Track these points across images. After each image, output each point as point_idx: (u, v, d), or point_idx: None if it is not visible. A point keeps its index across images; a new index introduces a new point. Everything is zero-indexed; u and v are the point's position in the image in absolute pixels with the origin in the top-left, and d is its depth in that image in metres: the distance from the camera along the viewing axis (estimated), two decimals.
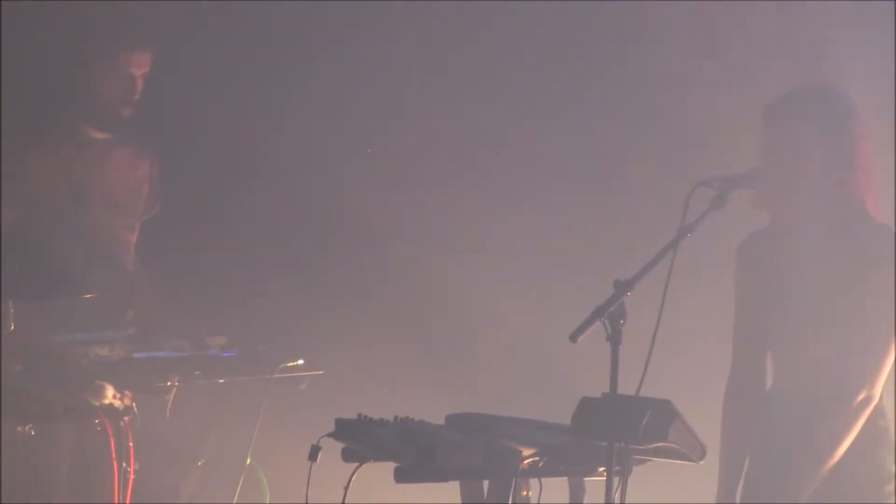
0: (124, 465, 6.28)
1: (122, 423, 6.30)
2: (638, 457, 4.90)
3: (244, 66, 7.61)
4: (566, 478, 5.09)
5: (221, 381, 6.75)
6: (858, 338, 5.35)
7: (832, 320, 5.37)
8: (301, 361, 6.84)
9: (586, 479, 5.06)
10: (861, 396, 5.31)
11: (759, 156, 5.46)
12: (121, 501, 6.30)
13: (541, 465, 4.96)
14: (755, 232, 5.60)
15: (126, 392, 6.37)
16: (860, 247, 5.35)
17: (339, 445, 5.10)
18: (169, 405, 6.57)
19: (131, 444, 6.30)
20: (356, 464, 4.97)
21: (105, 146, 6.99)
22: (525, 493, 5.00)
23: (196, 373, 6.63)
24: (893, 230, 5.39)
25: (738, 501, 5.61)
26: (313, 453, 5.02)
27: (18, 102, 7.08)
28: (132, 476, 6.30)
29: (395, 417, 5.12)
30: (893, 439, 5.43)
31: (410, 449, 4.87)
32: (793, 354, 5.49)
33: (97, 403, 6.26)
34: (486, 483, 5.06)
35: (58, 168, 6.95)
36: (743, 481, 5.63)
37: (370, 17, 7.78)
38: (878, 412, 5.37)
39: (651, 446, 4.82)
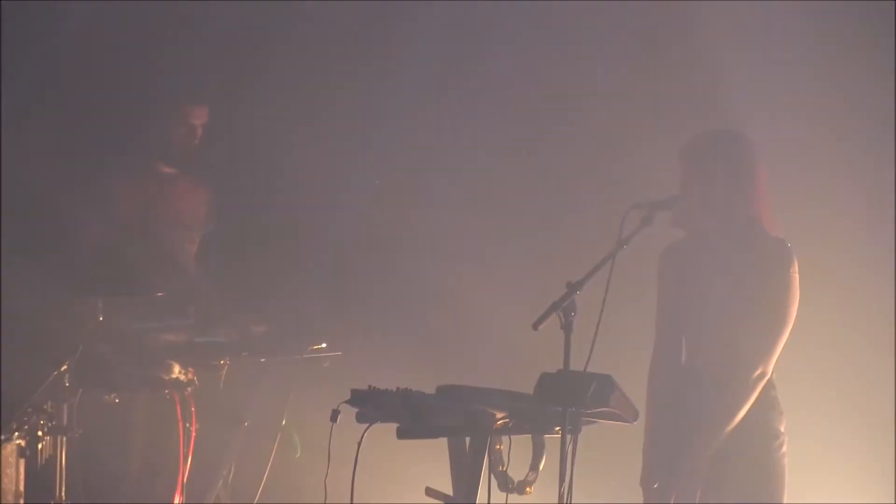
0: (188, 425, 6.30)
1: (185, 393, 6.34)
2: (586, 419, 4.92)
3: (274, 98, 7.55)
4: (530, 435, 5.12)
5: (263, 360, 6.72)
6: (754, 327, 5.34)
7: (732, 313, 5.36)
8: (324, 345, 6.83)
9: (546, 436, 5.10)
10: (757, 372, 5.30)
11: (677, 186, 5.43)
12: (185, 453, 6.30)
13: (510, 425, 4.99)
14: (673, 242, 5.57)
15: (189, 369, 6.40)
16: (757, 256, 5.36)
17: (354, 410, 5.10)
18: (222, 379, 6.55)
19: (193, 409, 6.32)
20: (367, 424, 4.99)
21: (172, 177, 6.99)
22: (498, 447, 5.08)
23: (243, 354, 6.63)
24: (786, 244, 5.38)
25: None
26: (334, 416, 5.03)
27: (106, 142, 7.12)
28: (194, 434, 6.32)
29: (397, 388, 5.11)
30: (780, 406, 5.42)
31: (409, 413, 4.95)
32: (701, 339, 5.46)
33: (166, 377, 6.32)
34: (467, 439, 5.08)
35: (135, 194, 6.93)
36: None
37: (378, 44, 7.66)
38: (771, 384, 5.37)
39: (596, 410, 4.88)
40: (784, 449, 5.41)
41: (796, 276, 5.34)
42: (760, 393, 5.35)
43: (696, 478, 5.33)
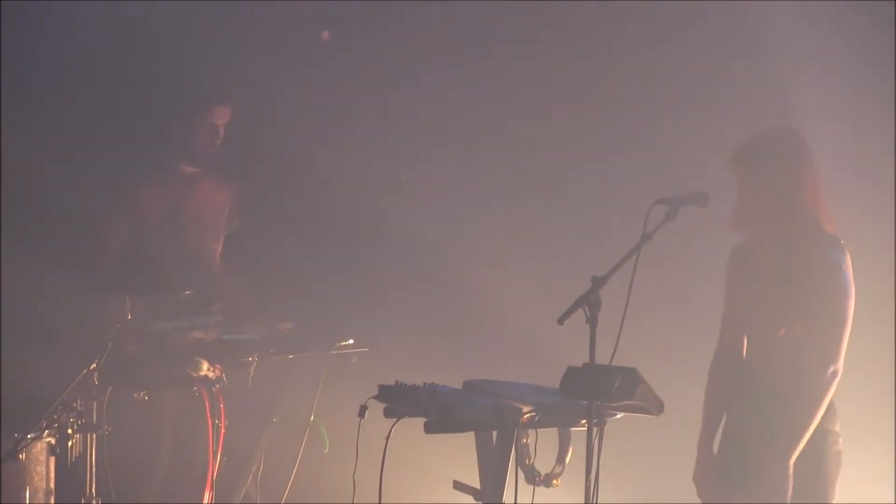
0: (217, 422, 6.30)
1: (214, 390, 6.34)
2: (611, 412, 4.95)
3: (296, 97, 7.55)
4: (556, 428, 5.18)
5: (290, 356, 6.73)
6: (818, 325, 5.39)
7: (795, 310, 5.42)
8: (352, 341, 6.83)
9: (572, 429, 5.16)
10: (832, 369, 5.37)
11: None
12: (214, 449, 6.30)
13: (536, 419, 5.03)
14: (742, 241, 5.61)
15: (217, 366, 6.40)
16: (816, 253, 5.43)
17: (381, 405, 5.17)
18: (250, 376, 6.57)
19: (222, 405, 6.31)
20: (394, 419, 5.02)
21: (195, 178, 7.01)
22: (525, 440, 5.12)
23: (271, 350, 6.64)
24: (839, 240, 5.45)
25: (715, 449, 5.61)
26: (361, 411, 5.10)
27: (131, 145, 7.10)
28: (223, 430, 6.32)
29: (424, 383, 5.18)
30: (835, 406, 5.49)
31: (436, 407, 4.97)
32: (763, 336, 5.51)
33: (195, 375, 6.32)
34: (494, 433, 5.12)
35: (159, 194, 6.93)
36: (721, 432, 5.63)
37: (400, 40, 7.64)
38: None
39: (621, 403, 4.89)
40: (838, 447, 5.51)
41: (850, 272, 5.41)
42: None
43: (788, 477, 5.39)
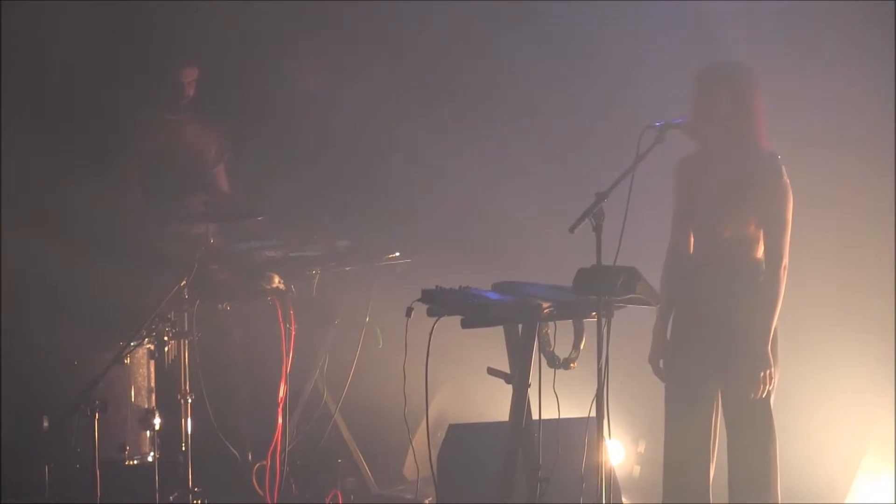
0: (288, 326, 6.43)
1: (285, 299, 6.48)
2: (617, 305, 5.10)
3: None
4: (571, 320, 5.32)
5: (347, 268, 6.91)
6: (769, 225, 5.53)
7: (738, 213, 5.55)
8: (398, 254, 7.03)
9: (585, 320, 5.31)
10: (785, 262, 5.50)
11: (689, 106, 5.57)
12: (287, 349, 6.41)
13: (555, 312, 5.20)
14: (688, 155, 5.66)
15: (287, 278, 6.57)
16: (755, 166, 5.55)
17: (424, 307, 5.30)
18: (315, 286, 6.75)
19: (292, 312, 6.43)
20: (436, 317, 5.22)
21: (179, 124, 7.20)
22: (545, 331, 5.32)
23: (331, 264, 6.83)
24: (776, 155, 5.53)
25: (668, 333, 5.75)
26: (408, 312, 5.24)
27: (121, 103, 7.29)
28: (293, 333, 6.44)
29: (460, 286, 5.33)
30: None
31: (470, 306, 5.18)
32: (710, 236, 5.62)
33: (268, 287, 6.50)
34: (520, 326, 5.31)
35: (153, 137, 7.12)
36: (673, 318, 5.74)
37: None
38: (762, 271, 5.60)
39: (625, 297, 5.10)
40: None
41: (788, 181, 5.56)
42: (754, 282, 5.61)
43: (769, 356, 5.53)
